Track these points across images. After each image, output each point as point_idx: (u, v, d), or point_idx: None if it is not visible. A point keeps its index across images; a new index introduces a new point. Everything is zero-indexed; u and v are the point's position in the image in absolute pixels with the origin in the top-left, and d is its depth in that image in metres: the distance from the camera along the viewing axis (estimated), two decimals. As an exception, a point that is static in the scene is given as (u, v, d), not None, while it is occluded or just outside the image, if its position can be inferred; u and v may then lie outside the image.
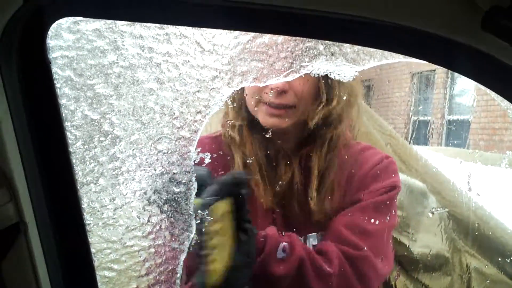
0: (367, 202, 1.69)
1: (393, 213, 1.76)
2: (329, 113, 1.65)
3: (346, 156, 1.74)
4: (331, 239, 1.66)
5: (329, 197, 1.70)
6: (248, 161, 1.69)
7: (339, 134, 1.70)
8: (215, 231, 1.37)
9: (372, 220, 1.67)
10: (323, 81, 1.58)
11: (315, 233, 1.72)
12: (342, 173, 1.73)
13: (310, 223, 1.71)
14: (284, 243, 1.56)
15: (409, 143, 2.92)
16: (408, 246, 2.55)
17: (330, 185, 1.71)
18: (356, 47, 1.24)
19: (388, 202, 1.73)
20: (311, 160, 1.70)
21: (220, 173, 1.61)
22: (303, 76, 1.35)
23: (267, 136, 1.65)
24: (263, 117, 1.61)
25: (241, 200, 1.44)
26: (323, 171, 1.70)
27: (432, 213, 2.68)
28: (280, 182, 1.70)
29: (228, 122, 1.72)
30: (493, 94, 1.13)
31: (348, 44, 1.25)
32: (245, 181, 1.49)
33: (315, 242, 1.71)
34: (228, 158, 1.71)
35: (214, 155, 1.47)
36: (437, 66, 1.19)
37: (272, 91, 1.55)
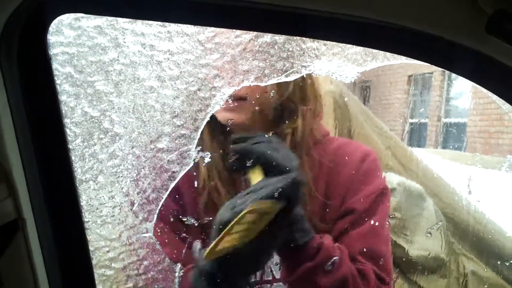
0: (376, 225, 1.58)
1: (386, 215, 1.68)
2: (284, 105, 1.52)
3: (318, 155, 1.59)
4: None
5: (308, 207, 1.56)
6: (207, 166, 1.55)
7: (302, 129, 1.55)
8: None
9: (384, 243, 1.61)
10: None
11: None
12: (318, 176, 1.59)
13: None
14: (336, 257, 1.47)
15: (407, 145, 2.93)
16: (406, 248, 2.55)
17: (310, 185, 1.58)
18: (359, 48, 1.24)
19: (387, 208, 1.64)
20: None
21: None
22: None
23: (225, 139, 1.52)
24: (220, 112, 1.47)
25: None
26: None
27: (430, 233, 2.68)
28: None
29: None
30: (495, 97, 1.13)
31: (350, 45, 1.24)
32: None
33: None
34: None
35: None
36: (434, 68, 1.19)
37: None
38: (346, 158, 1.61)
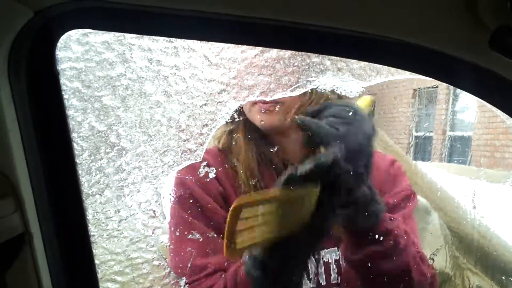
0: (406, 211, 1.58)
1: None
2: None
3: None
4: None
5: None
6: (245, 173, 1.55)
7: None
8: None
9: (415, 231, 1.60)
10: None
11: (335, 248, 1.58)
12: None
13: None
14: (403, 243, 1.42)
15: (412, 159, 2.92)
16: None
17: None
18: (363, 63, 1.24)
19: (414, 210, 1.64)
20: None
21: (225, 185, 1.54)
22: None
23: (265, 145, 1.56)
24: (256, 116, 1.50)
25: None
26: None
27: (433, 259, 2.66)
28: None
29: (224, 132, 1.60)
30: (499, 112, 1.14)
31: (355, 60, 1.25)
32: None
33: (336, 257, 1.58)
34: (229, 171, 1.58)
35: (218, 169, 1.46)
36: (439, 82, 1.19)
37: None
38: (377, 163, 1.56)
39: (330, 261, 1.58)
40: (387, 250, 1.39)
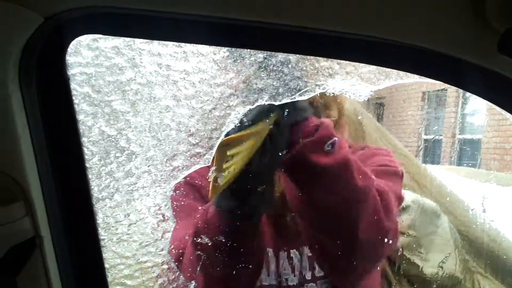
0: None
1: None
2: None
3: None
4: None
5: None
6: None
7: None
8: None
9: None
10: None
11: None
12: None
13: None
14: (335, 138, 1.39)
15: (422, 162, 2.91)
16: (421, 266, 2.53)
17: None
18: (372, 67, 1.24)
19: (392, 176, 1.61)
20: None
21: None
22: None
23: None
24: None
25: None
26: None
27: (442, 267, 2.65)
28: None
29: None
30: (508, 115, 1.13)
31: (363, 64, 1.25)
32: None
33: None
34: None
35: None
36: (448, 85, 1.19)
37: None
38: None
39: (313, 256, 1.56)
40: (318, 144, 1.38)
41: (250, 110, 1.27)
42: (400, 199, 1.62)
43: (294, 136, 1.36)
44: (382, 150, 1.70)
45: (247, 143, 1.25)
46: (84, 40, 1.13)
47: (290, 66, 1.25)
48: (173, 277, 1.33)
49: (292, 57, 1.25)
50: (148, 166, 1.24)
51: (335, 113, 1.58)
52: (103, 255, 1.19)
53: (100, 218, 1.22)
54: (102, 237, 1.21)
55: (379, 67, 1.25)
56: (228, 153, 1.23)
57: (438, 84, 1.20)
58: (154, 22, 1.03)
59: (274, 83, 1.24)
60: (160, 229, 1.30)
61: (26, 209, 1.00)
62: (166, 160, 1.25)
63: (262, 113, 1.29)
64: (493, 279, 2.78)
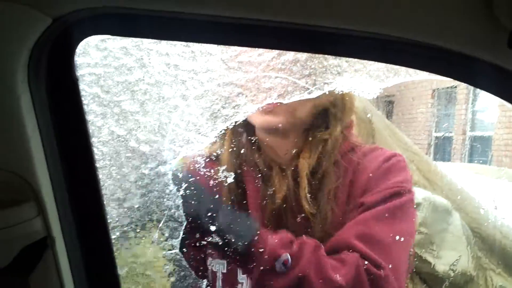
0: (379, 208, 1.50)
1: (412, 224, 1.59)
2: (322, 111, 1.50)
3: (349, 162, 1.55)
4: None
5: (331, 211, 1.51)
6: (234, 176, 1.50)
7: (336, 137, 1.52)
8: None
9: (389, 232, 1.49)
10: None
11: None
12: (344, 181, 1.54)
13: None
14: (285, 255, 1.37)
15: (432, 160, 2.90)
16: (433, 263, 2.53)
17: (331, 196, 1.51)
18: (381, 64, 1.24)
19: (403, 209, 1.54)
20: (304, 170, 1.51)
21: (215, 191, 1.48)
22: None
23: (251, 151, 1.52)
24: (256, 116, 1.43)
25: None
26: (320, 181, 1.52)
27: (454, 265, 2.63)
28: (271, 199, 1.52)
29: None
30: (518, 111, 1.13)
31: (372, 61, 1.25)
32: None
33: None
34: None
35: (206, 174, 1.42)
36: (458, 81, 1.18)
37: None
38: (371, 161, 1.57)
39: None
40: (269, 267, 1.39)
41: None
42: (413, 234, 1.62)
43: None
44: (395, 165, 1.59)
45: None
46: (93, 40, 1.13)
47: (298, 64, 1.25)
48: (185, 275, 1.34)
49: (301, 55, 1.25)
50: (158, 165, 1.24)
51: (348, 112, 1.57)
52: (115, 254, 1.20)
53: (111, 218, 1.23)
54: (113, 237, 1.22)
55: (388, 64, 1.25)
56: None
57: (448, 81, 1.19)
58: (162, 22, 1.03)
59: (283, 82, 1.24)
60: (172, 227, 1.30)
61: (38, 210, 1.01)
62: (176, 159, 1.25)
63: None
64: (506, 276, 2.77)
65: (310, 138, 1.51)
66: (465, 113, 9.63)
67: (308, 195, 1.49)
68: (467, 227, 2.76)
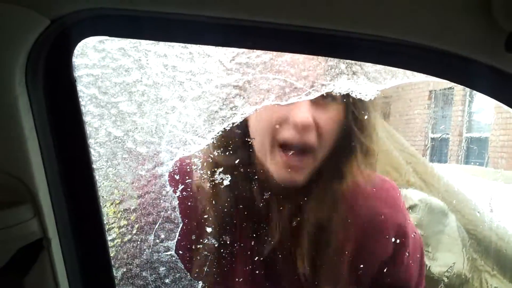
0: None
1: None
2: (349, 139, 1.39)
3: (357, 197, 1.46)
4: None
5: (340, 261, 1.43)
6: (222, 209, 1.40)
7: (353, 168, 1.41)
8: None
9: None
10: (346, 101, 1.32)
11: None
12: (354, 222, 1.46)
13: None
14: None
15: (429, 161, 2.90)
16: (428, 265, 2.53)
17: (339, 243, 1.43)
18: (378, 66, 1.24)
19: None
20: (310, 208, 1.41)
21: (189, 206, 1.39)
22: (324, 100, 1.27)
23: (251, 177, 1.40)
24: (278, 169, 1.33)
25: None
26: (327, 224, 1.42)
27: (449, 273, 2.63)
28: (264, 243, 1.42)
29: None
30: (515, 114, 1.13)
31: (369, 63, 1.25)
32: None
33: None
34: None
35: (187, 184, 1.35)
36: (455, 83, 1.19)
37: (291, 128, 1.29)
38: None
39: None
40: None
41: None
42: None
43: None
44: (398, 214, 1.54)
45: None
46: (91, 42, 1.13)
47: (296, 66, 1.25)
48: (180, 277, 1.33)
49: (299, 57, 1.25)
50: (155, 167, 1.24)
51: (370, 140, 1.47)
52: (111, 255, 1.19)
53: (107, 219, 1.22)
54: (109, 238, 1.21)
55: (385, 66, 1.25)
56: None
57: (445, 83, 1.19)
58: (160, 24, 1.03)
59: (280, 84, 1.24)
60: (168, 229, 1.30)
61: (34, 211, 1.00)
62: (173, 160, 1.25)
63: None
64: (502, 278, 2.77)
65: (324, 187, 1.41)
66: (462, 115, 9.64)
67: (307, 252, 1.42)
68: (463, 229, 2.76)
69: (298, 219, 1.43)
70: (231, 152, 1.36)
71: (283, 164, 1.33)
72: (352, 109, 1.35)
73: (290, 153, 1.31)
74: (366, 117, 1.37)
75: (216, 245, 1.39)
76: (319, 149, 1.34)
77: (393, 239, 1.49)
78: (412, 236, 1.55)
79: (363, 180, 1.44)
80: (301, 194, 1.41)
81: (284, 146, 1.32)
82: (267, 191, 1.40)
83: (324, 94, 1.28)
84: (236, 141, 1.37)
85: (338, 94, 1.30)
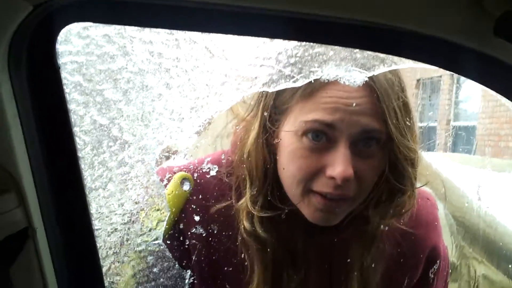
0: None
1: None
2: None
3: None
4: None
5: None
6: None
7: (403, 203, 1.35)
8: None
9: None
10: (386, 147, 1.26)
11: None
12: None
13: None
14: None
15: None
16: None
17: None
18: (367, 53, 1.23)
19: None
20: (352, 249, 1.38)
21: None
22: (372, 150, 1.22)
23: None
24: (311, 211, 1.27)
25: None
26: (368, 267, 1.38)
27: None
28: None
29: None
30: (503, 100, 1.12)
31: (358, 50, 1.24)
32: None
33: None
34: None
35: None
36: (443, 71, 1.18)
37: (331, 180, 1.21)
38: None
39: None
40: None
41: None
42: None
43: None
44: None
45: None
46: (74, 28, 1.11)
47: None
48: (168, 266, 1.33)
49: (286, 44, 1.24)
50: (141, 155, 1.23)
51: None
52: (98, 245, 1.19)
53: (93, 208, 1.21)
54: (96, 227, 1.20)
55: (374, 52, 1.24)
56: None
57: (433, 71, 1.18)
58: (146, 9, 1.01)
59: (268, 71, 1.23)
60: (155, 218, 1.29)
61: (18, 200, 0.99)
62: (160, 148, 1.24)
63: None
64: (489, 265, 2.79)
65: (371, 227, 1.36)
66: (449, 103, 9.69)
67: None
68: (451, 216, 2.77)
69: (334, 258, 1.41)
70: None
71: (318, 208, 1.26)
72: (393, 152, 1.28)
73: (327, 200, 1.24)
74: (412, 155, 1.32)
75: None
76: (359, 195, 1.28)
77: (425, 261, 1.48)
78: (444, 255, 1.53)
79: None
80: (336, 232, 1.37)
81: (321, 193, 1.25)
82: (299, 231, 1.37)
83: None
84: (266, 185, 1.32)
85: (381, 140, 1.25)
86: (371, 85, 1.21)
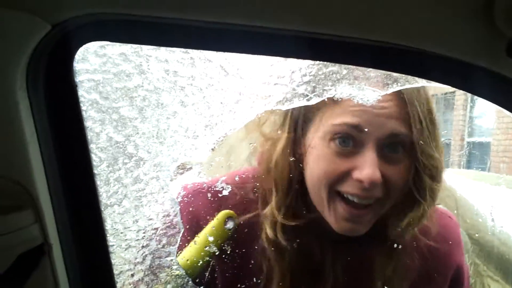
0: None
1: None
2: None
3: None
4: None
5: None
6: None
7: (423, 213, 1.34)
8: None
9: None
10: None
11: None
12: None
13: None
14: None
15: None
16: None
17: None
18: (380, 72, 1.24)
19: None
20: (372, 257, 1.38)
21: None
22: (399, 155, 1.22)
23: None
24: (337, 220, 1.26)
25: None
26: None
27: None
28: None
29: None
30: (517, 119, 1.12)
31: (371, 69, 1.24)
32: None
33: None
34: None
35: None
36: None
37: (359, 182, 1.21)
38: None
39: None
40: None
41: None
42: None
43: None
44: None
45: None
46: (92, 47, 1.13)
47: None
48: (182, 282, 1.33)
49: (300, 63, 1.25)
50: (156, 172, 1.24)
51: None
52: (112, 261, 1.19)
53: (108, 225, 1.22)
54: (110, 244, 1.21)
55: (387, 71, 1.24)
56: None
57: (446, 88, 1.18)
58: (162, 29, 1.02)
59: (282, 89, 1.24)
60: (169, 234, 1.30)
61: (35, 217, 1.00)
62: (174, 165, 1.25)
63: None
64: (504, 283, 2.76)
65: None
66: (463, 119, 9.63)
67: None
68: (465, 233, 2.75)
69: (357, 270, 1.41)
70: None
71: (344, 217, 1.26)
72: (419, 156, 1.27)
73: (353, 208, 1.25)
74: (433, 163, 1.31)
75: None
76: (385, 202, 1.27)
77: (450, 281, 1.47)
78: (467, 275, 1.53)
79: (428, 221, 1.38)
80: (359, 244, 1.36)
81: (346, 199, 1.25)
82: (321, 241, 1.37)
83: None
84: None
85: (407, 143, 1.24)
86: (398, 90, 1.22)
